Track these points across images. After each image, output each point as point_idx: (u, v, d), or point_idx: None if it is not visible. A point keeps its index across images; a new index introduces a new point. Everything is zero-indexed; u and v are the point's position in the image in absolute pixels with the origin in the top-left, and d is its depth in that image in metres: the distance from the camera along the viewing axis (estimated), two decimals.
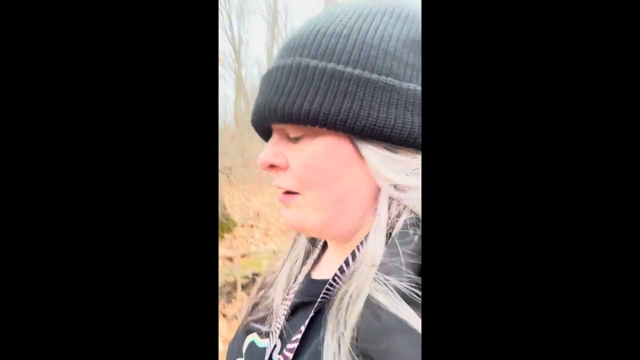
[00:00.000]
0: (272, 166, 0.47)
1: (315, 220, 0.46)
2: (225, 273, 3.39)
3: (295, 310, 0.50)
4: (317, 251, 0.57)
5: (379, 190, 0.45)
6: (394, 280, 0.38)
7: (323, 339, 0.41)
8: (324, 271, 0.53)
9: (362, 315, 0.38)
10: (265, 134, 0.50)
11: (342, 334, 0.39)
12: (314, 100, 0.42)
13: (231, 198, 7.30)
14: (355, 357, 0.37)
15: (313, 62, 0.43)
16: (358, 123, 0.42)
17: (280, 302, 0.53)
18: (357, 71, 0.42)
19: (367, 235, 0.44)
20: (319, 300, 0.46)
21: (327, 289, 0.46)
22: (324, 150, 0.44)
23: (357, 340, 0.38)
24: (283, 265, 0.58)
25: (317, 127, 0.42)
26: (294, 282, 0.54)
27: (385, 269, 0.39)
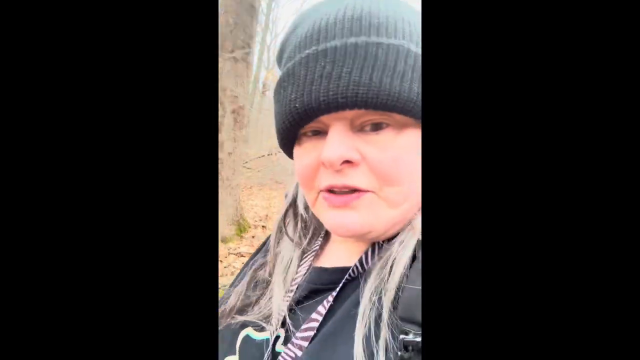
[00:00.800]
0: (346, 162, 0.41)
1: (387, 218, 0.42)
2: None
3: (302, 300, 0.48)
4: (319, 242, 0.55)
5: None
6: None
7: (357, 305, 0.39)
8: (338, 258, 0.50)
9: (408, 280, 0.36)
10: (296, 133, 0.44)
11: (383, 295, 0.38)
12: (420, 88, 0.38)
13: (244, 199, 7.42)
14: (396, 320, 0.36)
15: (419, 51, 0.40)
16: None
17: (280, 300, 0.51)
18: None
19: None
20: (342, 283, 0.44)
21: (353, 271, 0.44)
22: (413, 142, 0.41)
23: (398, 303, 0.36)
24: (272, 271, 0.55)
25: (417, 118, 0.40)
26: (292, 281, 0.52)
27: None
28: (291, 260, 0.54)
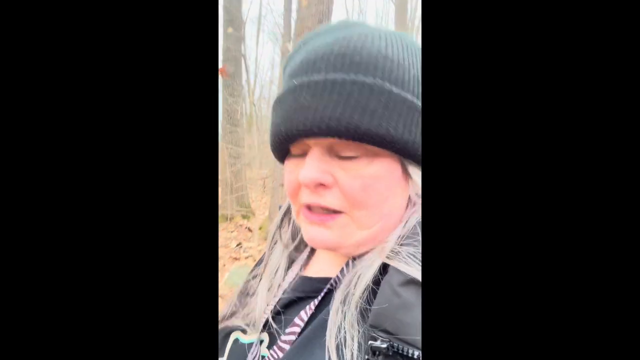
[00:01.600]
0: (319, 185, 0.45)
1: (357, 238, 0.46)
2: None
3: (287, 306, 0.52)
4: (306, 252, 0.58)
5: (409, 201, 0.48)
6: (407, 249, 0.41)
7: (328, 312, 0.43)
8: (321, 269, 0.54)
9: (380, 293, 0.40)
10: (284, 149, 0.49)
11: (350, 301, 0.42)
12: (397, 125, 0.43)
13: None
14: (365, 328, 0.40)
15: (395, 89, 0.43)
16: (417, 148, 0.45)
17: (263, 308, 0.54)
18: (415, 99, 0.45)
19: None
20: (323, 292, 0.48)
21: (334, 282, 0.48)
22: (383, 172, 0.45)
23: (367, 310, 0.40)
24: (261, 278, 0.58)
25: (389, 150, 0.43)
26: (278, 287, 0.55)
27: (396, 248, 0.43)
28: (279, 267, 0.58)
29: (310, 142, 0.45)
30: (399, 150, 0.44)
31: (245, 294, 0.59)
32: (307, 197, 0.46)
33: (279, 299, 0.52)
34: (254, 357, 0.49)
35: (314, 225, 0.47)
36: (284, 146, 0.48)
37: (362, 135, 0.42)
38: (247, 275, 0.62)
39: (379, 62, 0.44)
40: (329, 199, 0.45)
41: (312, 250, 0.58)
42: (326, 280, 0.49)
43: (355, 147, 0.44)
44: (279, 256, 0.59)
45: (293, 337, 0.47)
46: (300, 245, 0.60)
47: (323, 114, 0.42)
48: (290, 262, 0.59)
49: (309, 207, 0.47)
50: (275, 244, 0.60)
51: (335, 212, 0.46)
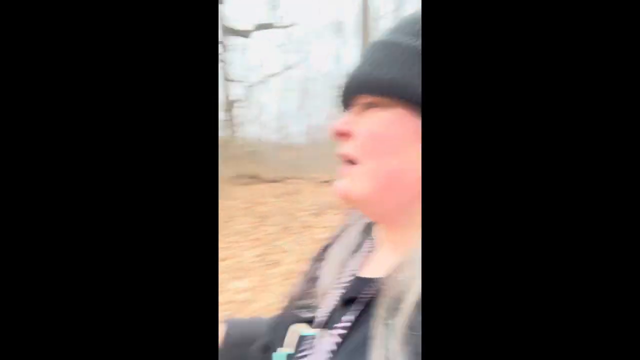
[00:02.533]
0: (340, 134, 0.48)
1: (362, 189, 0.46)
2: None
3: (342, 304, 0.50)
4: (368, 247, 0.56)
5: None
6: None
7: (370, 328, 0.41)
8: (375, 269, 0.51)
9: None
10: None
11: (392, 316, 0.39)
12: (400, 70, 0.44)
13: None
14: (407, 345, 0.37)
15: (390, 37, 0.46)
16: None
17: (328, 289, 0.53)
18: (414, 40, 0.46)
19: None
20: (365, 296, 0.46)
21: (374, 286, 0.46)
22: (391, 118, 0.45)
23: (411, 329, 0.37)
24: (333, 249, 0.58)
25: (395, 97, 0.44)
26: (343, 273, 0.54)
27: None
28: (346, 250, 0.57)
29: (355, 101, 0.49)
30: (409, 96, 0.43)
31: (312, 279, 0.58)
32: (340, 148, 0.49)
33: (338, 295, 0.51)
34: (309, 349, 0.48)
35: (337, 181, 0.49)
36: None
37: (364, 85, 0.46)
38: (314, 263, 0.61)
39: (394, 23, 0.49)
40: (346, 147, 0.47)
41: (374, 249, 0.56)
42: (375, 281, 0.46)
43: (375, 100, 0.45)
44: (349, 238, 0.58)
45: (339, 339, 0.46)
46: (369, 232, 0.58)
47: (348, 76, 0.48)
48: (357, 248, 0.57)
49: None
50: (347, 227, 0.60)
51: (353, 163, 0.47)
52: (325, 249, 0.62)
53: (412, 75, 0.43)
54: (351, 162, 0.47)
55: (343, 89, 0.49)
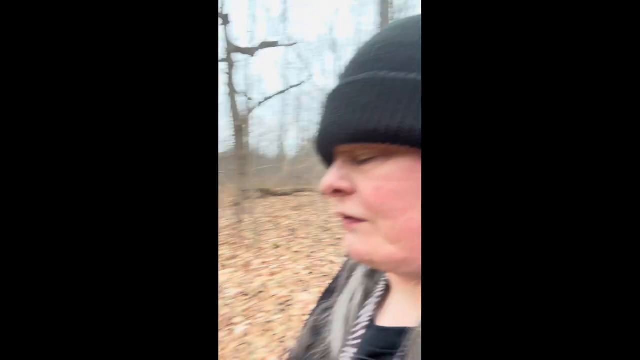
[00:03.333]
0: (336, 191, 0.42)
1: (387, 253, 0.40)
2: None
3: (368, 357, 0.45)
4: (379, 292, 0.51)
5: None
6: None
7: None
8: (396, 317, 0.47)
9: None
10: (328, 160, 0.46)
11: None
12: (393, 114, 0.37)
13: None
14: None
15: (391, 74, 0.38)
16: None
17: (339, 349, 0.48)
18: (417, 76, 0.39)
19: None
20: (399, 352, 0.41)
21: (407, 337, 0.40)
22: (400, 171, 0.39)
23: None
24: (336, 303, 0.52)
25: (397, 144, 0.38)
26: (354, 326, 0.49)
27: None
28: (354, 295, 0.53)
29: (335, 151, 0.43)
30: (407, 140, 0.37)
31: (317, 328, 0.53)
32: (336, 206, 0.44)
33: (354, 353, 0.46)
34: None
35: (346, 233, 0.44)
36: (323, 156, 0.46)
37: (355, 134, 0.38)
38: (316, 309, 0.56)
39: (371, 54, 0.40)
40: (349, 206, 0.42)
41: (386, 290, 0.51)
42: (402, 331, 0.42)
43: (369, 149, 0.39)
44: (356, 284, 0.53)
45: None
46: (376, 275, 0.54)
47: (327, 122, 0.41)
48: (366, 294, 0.52)
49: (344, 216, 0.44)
50: (353, 270, 0.55)
51: (360, 220, 0.41)
52: (330, 293, 0.56)
53: (414, 117, 0.36)
54: (358, 220, 0.42)
55: (322, 137, 0.42)
